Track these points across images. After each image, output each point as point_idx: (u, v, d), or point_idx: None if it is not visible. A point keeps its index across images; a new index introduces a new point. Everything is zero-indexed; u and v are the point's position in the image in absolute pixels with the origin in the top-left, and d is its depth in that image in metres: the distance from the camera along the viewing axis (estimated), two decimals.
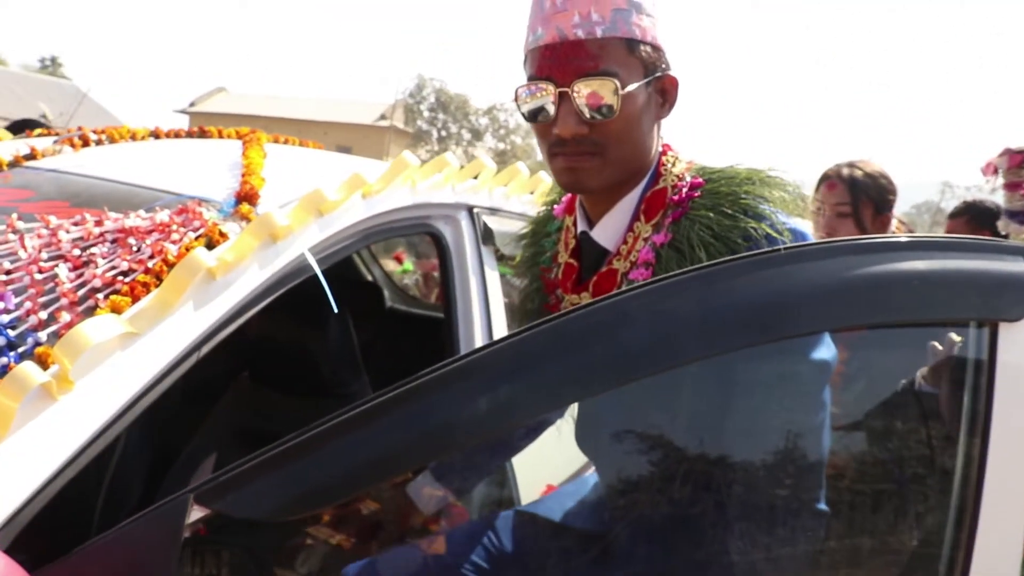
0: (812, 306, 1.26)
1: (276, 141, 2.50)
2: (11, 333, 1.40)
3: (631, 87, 1.40)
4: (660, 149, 1.55)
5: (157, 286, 1.49)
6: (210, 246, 1.60)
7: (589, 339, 1.20)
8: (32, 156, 2.11)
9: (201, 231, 1.65)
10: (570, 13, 1.38)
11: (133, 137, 2.32)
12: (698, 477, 1.40)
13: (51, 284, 1.52)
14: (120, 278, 1.52)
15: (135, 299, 1.46)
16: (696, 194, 1.48)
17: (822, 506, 1.44)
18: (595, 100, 1.37)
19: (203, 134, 2.45)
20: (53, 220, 1.69)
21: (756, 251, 1.26)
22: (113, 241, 1.63)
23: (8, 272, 1.55)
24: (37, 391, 1.26)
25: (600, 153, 1.42)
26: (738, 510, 1.40)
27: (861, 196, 2.90)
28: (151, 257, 1.58)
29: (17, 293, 1.50)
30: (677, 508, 1.41)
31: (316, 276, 1.76)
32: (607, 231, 1.53)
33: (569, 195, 1.68)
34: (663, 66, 1.46)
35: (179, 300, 1.46)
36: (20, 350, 1.37)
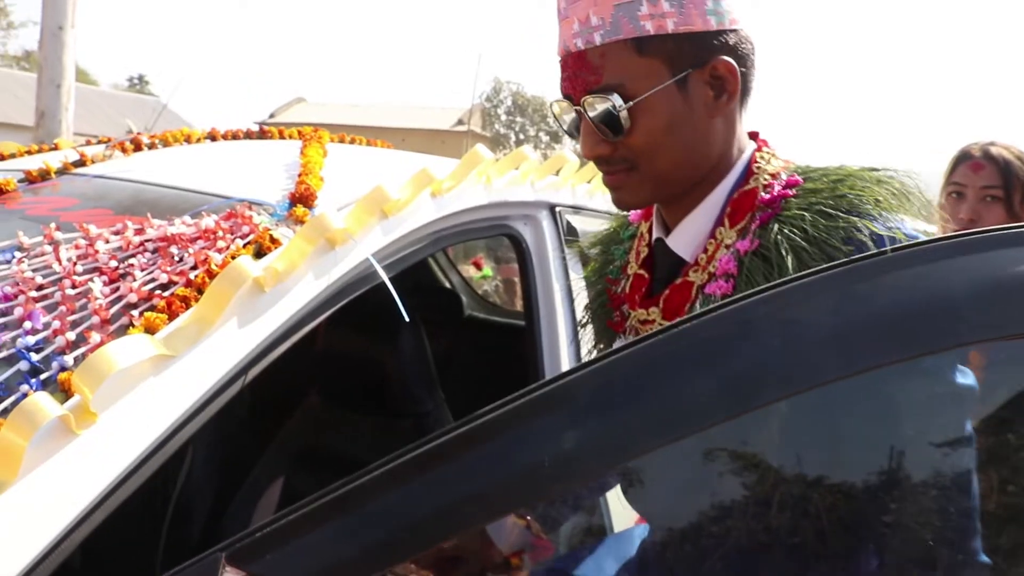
0: (980, 309, 1.00)
1: (341, 141, 2.32)
2: (35, 357, 1.23)
3: (646, 94, 1.18)
4: (746, 145, 1.31)
5: (198, 300, 1.31)
6: (259, 254, 1.41)
7: (702, 357, 0.97)
8: (82, 162, 1.96)
9: (250, 237, 1.46)
10: (571, 21, 1.20)
11: (188, 140, 2.16)
12: (830, 531, 1.15)
13: (83, 300, 1.35)
14: (158, 292, 1.35)
15: (172, 316, 1.28)
16: (790, 193, 1.25)
17: (983, 558, 1.17)
18: (604, 119, 1.20)
19: (263, 135, 2.28)
20: (92, 229, 1.53)
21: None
22: (154, 251, 1.46)
23: (40, 287, 1.39)
24: (52, 425, 1.08)
25: (634, 168, 1.25)
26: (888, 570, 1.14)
27: (1014, 178, 2.52)
28: (193, 268, 1.40)
29: (47, 311, 1.34)
30: (804, 569, 1.15)
31: (384, 284, 1.56)
32: (685, 238, 1.31)
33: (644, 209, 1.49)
34: (706, 54, 1.20)
35: (220, 316, 1.27)
36: (43, 376, 1.20)
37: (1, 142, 2.36)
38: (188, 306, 1.30)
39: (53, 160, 1.97)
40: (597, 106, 1.18)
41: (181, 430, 1.23)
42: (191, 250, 1.43)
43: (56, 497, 1.07)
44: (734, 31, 1.21)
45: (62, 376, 1.17)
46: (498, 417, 0.93)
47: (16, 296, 1.38)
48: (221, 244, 1.44)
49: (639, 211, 1.46)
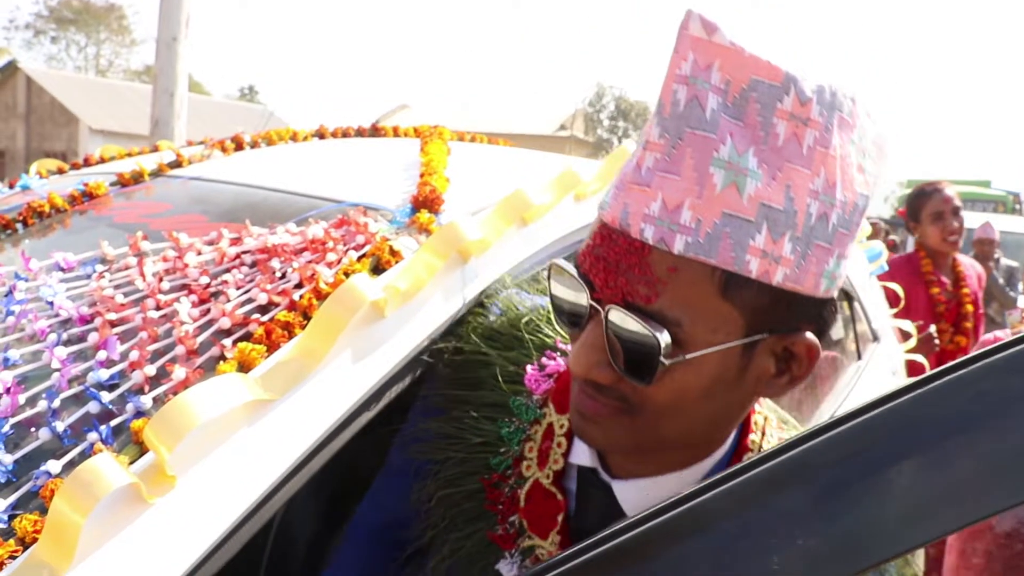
0: None
1: (461, 139, 2.06)
2: (106, 397, 1.00)
3: (699, 352, 0.83)
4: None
5: (304, 327, 1.05)
6: (377, 269, 1.15)
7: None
8: (178, 163, 1.75)
9: (366, 249, 1.20)
10: (651, 192, 0.81)
11: (294, 138, 1.93)
12: None
13: (167, 324, 1.11)
14: (255, 316, 1.10)
15: (272, 347, 1.02)
16: None
17: None
18: (629, 349, 0.84)
19: (375, 132, 2.04)
20: (183, 239, 1.29)
21: None
22: (252, 265, 1.22)
23: (119, 308, 1.16)
24: (118, 495, 0.83)
25: (631, 412, 0.89)
26: None
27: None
28: (298, 286, 1.14)
29: (125, 338, 1.11)
30: None
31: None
32: (642, 501, 0.97)
33: (566, 374, 1.08)
34: (793, 322, 0.87)
35: (332, 348, 1.01)
36: (115, 422, 0.96)
37: (104, 145, 2.19)
38: (291, 335, 1.04)
39: (148, 162, 1.76)
40: (628, 328, 0.83)
41: (279, 492, 0.97)
42: (296, 264, 1.18)
43: None
44: (832, 300, 0.89)
45: (136, 424, 0.93)
46: (711, 501, 0.65)
47: (92, 318, 1.15)
48: (331, 257, 1.18)
49: (545, 383, 1.09)
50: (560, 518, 1.01)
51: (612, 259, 0.83)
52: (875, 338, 2.70)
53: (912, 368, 3.03)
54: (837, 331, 2.57)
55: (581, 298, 0.86)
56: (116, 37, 46.69)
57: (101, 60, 46.98)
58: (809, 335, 0.87)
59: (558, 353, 1.12)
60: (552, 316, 1.11)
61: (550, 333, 1.15)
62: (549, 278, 0.92)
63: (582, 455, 1.01)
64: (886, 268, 2.87)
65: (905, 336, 3.06)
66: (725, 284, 0.81)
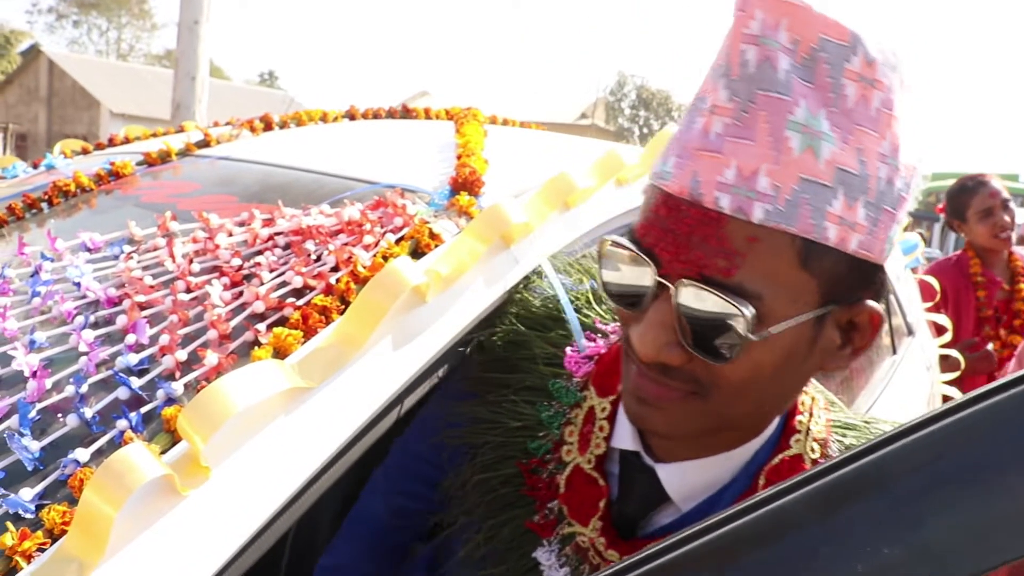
0: None
1: (494, 122, 2.01)
2: (136, 383, 0.95)
3: (780, 326, 0.78)
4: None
5: (342, 312, 1.01)
6: (416, 252, 1.10)
7: None
8: (206, 143, 1.71)
9: (404, 231, 1.15)
10: (724, 159, 0.76)
11: (324, 119, 1.88)
12: None
13: (198, 308, 1.07)
14: (290, 300, 1.05)
15: (309, 332, 0.98)
16: None
17: None
18: (704, 326, 0.78)
19: (407, 114, 1.99)
20: (213, 220, 1.25)
21: None
22: (285, 247, 1.17)
23: (148, 290, 1.11)
24: (151, 487, 0.79)
25: (701, 395, 0.83)
26: None
27: None
28: (335, 269, 1.10)
29: (155, 321, 1.06)
30: None
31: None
32: (685, 484, 0.94)
33: (610, 351, 1.03)
34: (859, 291, 0.82)
35: (372, 334, 0.96)
36: (145, 409, 0.92)
37: (129, 126, 2.15)
38: (329, 320, 0.99)
39: (175, 142, 1.72)
40: (704, 305, 0.77)
41: (316, 483, 0.93)
42: (331, 246, 1.13)
43: None
44: (883, 266, 0.84)
45: (167, 412, 0.88)
46: (791, 504, 0.60)
47: (120, 301, 1.11)
48: (368, 240, 1.14)
49: (588, 366, 1.04)
50: (602, 504, 0.96)
51: (683, 232, 0.76)
52: (910, 332, 2.64)
53: (945, 363, 2.96)
54: None
55: (644, 275, 0.80)
56: (137, 21, 46.84)
57: (122, 44, 47.16)
58: (871, 303, 0.83)
59: (598, 335, 1.07)
60: (602, 297, 1.07)
61: (588, 313, 1.10)
62: (600, 256, 0.86)
63: (625, 439, 0.96)
64: (921, 262, 2.79)
65: (940, 331, 2.98)
66: (805, 253, 0.76)
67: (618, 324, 1.03)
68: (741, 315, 0.75)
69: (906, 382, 2.45)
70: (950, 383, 2.84)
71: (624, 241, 0.82)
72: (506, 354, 1.09)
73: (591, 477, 0.97)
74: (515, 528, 1.01)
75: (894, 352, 2.51)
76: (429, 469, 1.13)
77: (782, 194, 0.74)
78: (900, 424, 0.68)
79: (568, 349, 1.06)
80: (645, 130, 40.21)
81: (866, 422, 1.05)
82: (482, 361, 1.11)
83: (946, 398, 2.79)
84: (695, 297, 0.77)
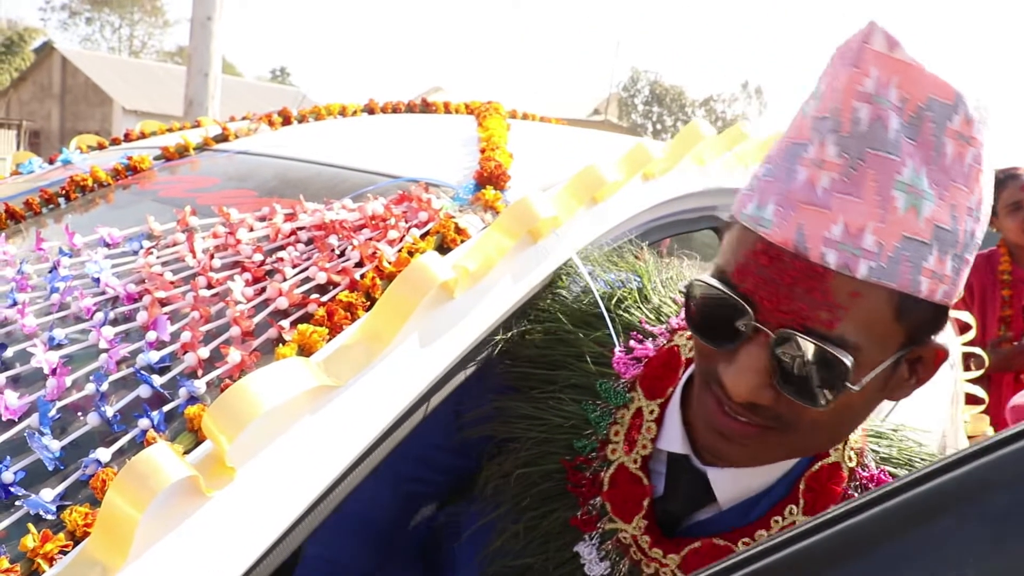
0: None
1: (514, 116, 1.98)
2: (157, 381, 0.93)
3: (873, 373, 0.83)
4: None
5: (367, 308, 0.98)
6: (442, 248, 1.08)
7: None
8: (224, 137, 1.69)
9: (429, 226, 1.13)
10: (831, 215, 0.77)
11: (343, 113, 1.86)
12: None
13: (220, 304, 1.05)
14: (314, 296, 1.03)
15: (335, 329, 0.95)
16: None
17: None
18: (803, 373, 0.80)
19: (426, 108, 1.96)
20: (233, 214, 1.23)
21: None
22: (308, 242, 1.15)
23: (169, 286, 1.09)
24: (175, 488, 0.77)
25: (781, 430, 0.87)
26: None
27: None
28: (359, 264, 1.07)
29: (176, 317, 1.04)
30: None
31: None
32: (731, 487, 0.98)
33: (659, 355, 1.04)
34: (932, 332, 0.86)
35: (400, 331, 0.94)
36: (168, 407, 0.90)
37: (144, 121, 2.13)
38: (355, 317, 0.97)
39: (193, 136, 1.70)
40: (805, 354, 0.79)
41: (343, 483, 0.91)
42: (355, 241, 1.11)
43: None
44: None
45: (191, 410, 0.86)
46: (870, 521, 0.57)
47: (140, 297, 1.09)
48: (393, 235, 1.11)
49: (635, 368, 1.05)
50: (646, 503, 0.99)
51: (786, 283, 0.79)
52: None
53: (968, 360, 2.91)
54: None
55: (739, 319, 0.82)
56: (149, 18, 46.98)
57: (134, 41, 47.29)
58: (938, 340, 0.86)
59: (646, 336, 1.08)
60: (648, 295, 1.10)
61: (635, 313, 1.10)
62: (689, 295, 0.87)
63: (673, 441, 0.98)
64: None
65: (963, 328, 2.94)
66: (901, 306, 0.79)
67: (683, 343, 1.03)
68: (843, 365, 0.79)
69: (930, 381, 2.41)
70: (974, 381, 2.79)
71: (717, 284, 0.83)
72: (547, 351, 1.10)
73: (636, 476, 1.00)
74: (554, 521, 1.03)
75: None
76: (443, 456, 1.17)
77: (885, 251, 0.77)
78: (986, 438, 0.64)
79: (617, 349, 1.06)
80: (658, 126, 40.06)
81: (894, 429, 1.07)
82: (522, 356, 1.11)
83: (970, 397, 2.75)
84: (796, 346, 0.79)
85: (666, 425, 1.00)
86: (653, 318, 1.10)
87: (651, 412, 1.01)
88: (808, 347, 0.78)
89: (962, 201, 0.79)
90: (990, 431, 2.87)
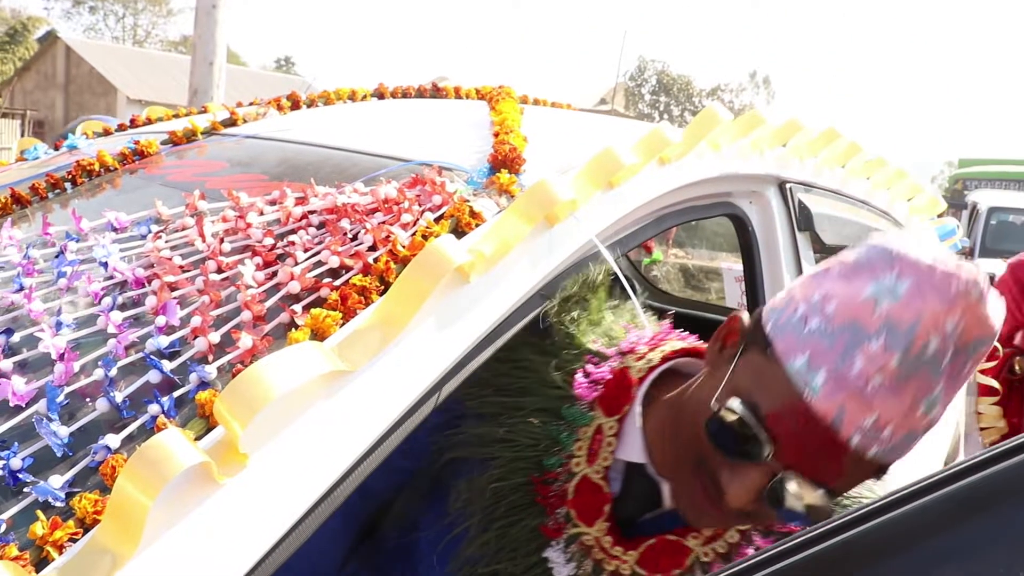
0: None
1: (524, 101, 1.95)
2: (167, 366, 0.91)
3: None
4: None
5: (381, 292, 0.96)
6: (457, 232, 1.06)
7: None
8: (232, 122, 1.66)
9: (443, 210, 1.11)
10: (871, 408, 0.91)
11: (352, 97, 1.83)
12: None
13: (231, 288, 1.03)
14: (327, 280, 1.01)
15: (348, 314, 0.93)
16: None
17: None
18: (792, 505, 0.96)
19: (437, 93, 1.93)
20: (243, 198, 1.21)
21: None
22: (320, 226, 1.13)
23: (178, 270, 1.07)
24: (187, 475, 0.75)
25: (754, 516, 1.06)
26: None
27: None
28: (372, 248, 1.05)
29: (185, 302, 1.02)
30: None
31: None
32: None
33: (614, 377, 1.16)
34: None
35: (415, 315, 0.92)
36: (178, 393, 0.88)
37: (150, 107, 2.11)
38: (368, 301, 0.95)
39: (200, 121, 1.68)
40: (802, 496, 0.95)
41: (357, 471, 0.89)
42: (368, 225, 1.08)
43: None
44: None
45: (201, 396, 0.84)
46: (915, 513, 0.55)
47: (149, 281, 1.07)
48: (407, 218, 1.09)
49: (591, 389, 1.15)
50: (607, 508, 1.10)
51: (811, 443, 0.92)
52: None
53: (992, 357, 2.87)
54: None
55: (759, 449, 0.94)
56: (153, 7, 46.86)
57: (138, 30, 47.21)
58: None
59: (602, 360, 1.17)
60: (603, 319, 1.22)
61: (592, 336, 1.19)
62: (723, 410, 0.96)
63: (632, 452, 1.11)
64: (959, 247, 2.70)
65: None
66: (879, 470, 0.96)
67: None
68: (829, 509, 0.94)
69: None
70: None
71: (746, 414, 0.94)
72: (513, 380, 1.18)
73: (597, 485, 1.11)
74: (522, 529, 1.13)
75: None
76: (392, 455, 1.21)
77: (892, 440, 0.90)
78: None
79: (576, 376, 1.16)
80: (665, 116, 39.87)
81: None
82: (490, 383, 1.18)
83: (984, 388, 2.72)
84: (796, 488, 0.94)
85: (625, 438, 1.12)
86: (605, 341, 1.19)
87: (610, 428, 1.12)
88: (805, 491, 0.93)
89: (953, 398, 0.93)
90: (1002, 423, 2.85)
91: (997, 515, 0.52)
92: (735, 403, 0.95)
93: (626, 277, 1.26)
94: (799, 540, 0.54)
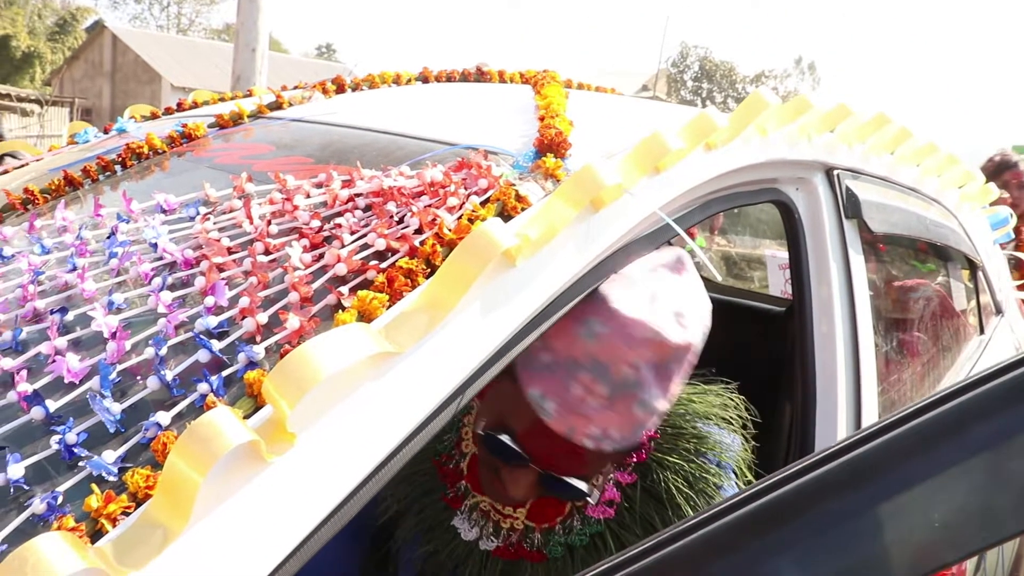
0: None
1: (569, 86, 1.94)
2: (216, 346, 0.92)
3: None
4: None
5: (428, 275, 0.96)
6: (503, 216, 1.05)
7: None
8: (278, 105, 1.67)
9: (489, 194, 1.11)
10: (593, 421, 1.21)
11: (397, 81, 1.83)
12: None
13: (278, 270, 1.04)
14: (374, 262, 1.01)
15: (395, 296, 0.93)
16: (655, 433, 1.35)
17: None
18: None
19: (481, 77, 1.93)
20: (290, 181, 1.21)
21: None
22: (366, 209, 1.13)
23: (226, 252, 1.08)
24: (237, 453, 0.75)
25: None
26: None
27: None
28: (418, 231, 1.05)
29: (233, 283, 1.03)
30: None
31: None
32: None
33: None
34: None
35: (462, 298, 0.92)
36: (227, 372, 0.89)
37: (196, 91, 2.13)
38: (415, 284, 0.95)
39: (247, 104, 1.69)
40: (566, 488, 1.26)
41: (402, 451, 0.89)
42: (414, 208, 1.08)
43: (240, 550, 0.75)
44: None
45: (250, 376, 0.85)
46: (872, 453, 0.58)
47: (198, 262, 1.08)
48: (453, 201, 1.09)
49: None
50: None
51: (558, 453, 1.18)
52: (998, 311, 2.52)
53: None
54: (960, 302, 2.40)
55: (520, 458, 1.20)
56: None
57: (182, 19, 47.73)
58: None
59: None
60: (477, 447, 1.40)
61: None
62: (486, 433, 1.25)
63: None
64: (1012, 236, 2.66)
65: None
66: (626, 454, 1.30)
67: None
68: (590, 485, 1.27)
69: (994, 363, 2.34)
70: None
71: (505, 435, 1.22)
72: None
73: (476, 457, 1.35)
74: (434, 505, 1.37)
75: (981, 332, 2.40)
76: None
77: (620, 436, 1.16)
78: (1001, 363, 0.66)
79: None
80: (708, 103, 39.47)
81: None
82: None
83: None
84: (549, 482, 1.24)
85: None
86: None
87: None
88: (567, 487, 1.21)
89: (671, 387, 1.20)
90: None
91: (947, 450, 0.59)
92: (497, 427, 1.20)
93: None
94: (778, 477, 0.56)
